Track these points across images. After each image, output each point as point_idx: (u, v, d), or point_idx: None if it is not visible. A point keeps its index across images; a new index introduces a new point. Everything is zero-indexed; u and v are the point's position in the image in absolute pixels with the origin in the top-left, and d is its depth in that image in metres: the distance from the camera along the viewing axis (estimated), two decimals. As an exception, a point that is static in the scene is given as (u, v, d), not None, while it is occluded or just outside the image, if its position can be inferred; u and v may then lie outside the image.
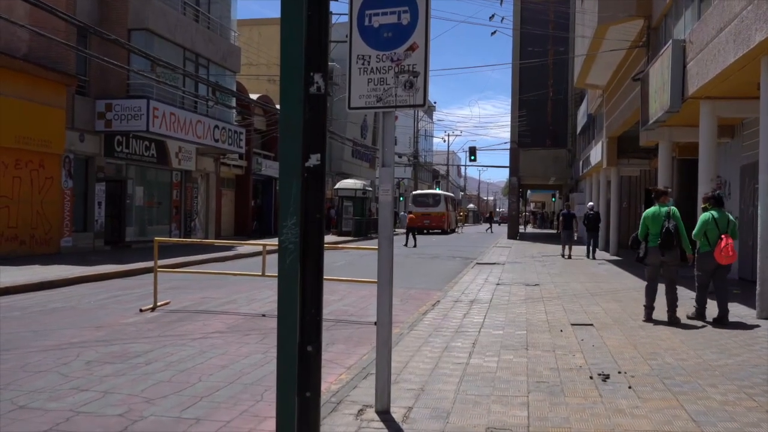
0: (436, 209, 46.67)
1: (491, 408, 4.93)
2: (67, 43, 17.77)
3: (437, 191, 52.66)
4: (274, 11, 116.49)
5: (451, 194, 59.32)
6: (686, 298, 10.50)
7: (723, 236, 8.85)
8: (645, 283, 9.43)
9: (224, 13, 28.43)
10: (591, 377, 5.86)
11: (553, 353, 6.88)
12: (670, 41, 13.13)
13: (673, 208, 9.01)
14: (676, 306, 8.99)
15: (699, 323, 8.96)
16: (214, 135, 25.84)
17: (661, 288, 9.14)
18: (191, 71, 24.63)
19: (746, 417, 4.78)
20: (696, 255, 9.21)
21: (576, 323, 8.75)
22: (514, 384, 5.62)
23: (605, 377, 5.84)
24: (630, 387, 5.54)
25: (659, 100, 13.65)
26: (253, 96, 31.03)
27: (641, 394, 5.35)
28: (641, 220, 9.25)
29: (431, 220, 46.18)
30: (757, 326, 8.68)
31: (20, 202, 18.41)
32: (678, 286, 9.18)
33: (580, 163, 35.05)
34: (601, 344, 7.38)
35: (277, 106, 30.56)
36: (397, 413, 4.76)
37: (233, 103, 28.45)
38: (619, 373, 6.03)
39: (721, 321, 8.88)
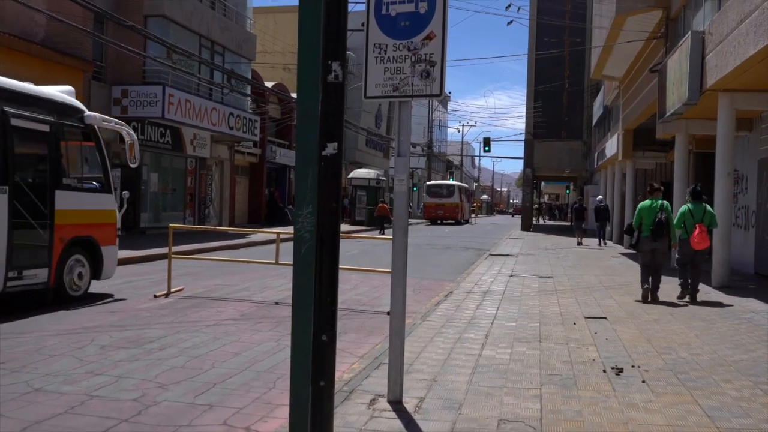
0: (450, 200, 46.86)
1: (504, 400, 4.92)
2: (84, 29, 17.83)
3: (451, 182, 52.79)
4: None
5: (466, 185, 59.45)
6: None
7: (697, 225, 10.09)
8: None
9: (240, 0, 28.41)
10: (604, 371, 5.83)
11: (566, 346, 6.86)
12: (689, 33, 12.98)
13: (665, 202, 10.15)
14: (658, 287, 10.29)
15: (681, 302, 10.17)
16: (228, 122, 25.89)
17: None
18: (207, 58, 24.68)
19: (761, 413, 4.74)
20: (678, 242, 10.44)
21: (589, 316, 8.71)
22: (526, 376, 5.60)
23: (619, 371, 5.81)
24: (644, 381, 5.51)
25: (677, 92, 13.51)
26: (268, 84, 31.06)
27: (655, 388, 5.32)
28: (636, 211, 10.43)
29: (445, 211, 46.53)
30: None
31: (36, 187, 18.49)
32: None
33: (596, 155, 34.83)
34: (614, 338, 7.34)
35: (292, 95, 30.68)
36: (409, 403, 4.76)
37: (248, 90, 28.48)
38: (633, 367, 6.00)
39: (692, 297, 10.28)
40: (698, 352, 6.67)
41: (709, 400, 5.03)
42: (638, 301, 10.15)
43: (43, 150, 9.20)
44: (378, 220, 32.09)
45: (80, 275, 9.64)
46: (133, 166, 10.71)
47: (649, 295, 10.19)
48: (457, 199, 47.24)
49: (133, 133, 10.85)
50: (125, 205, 10.98)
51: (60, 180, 9.38)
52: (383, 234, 29.14)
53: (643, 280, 10.30)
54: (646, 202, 10.19)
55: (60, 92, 9.82)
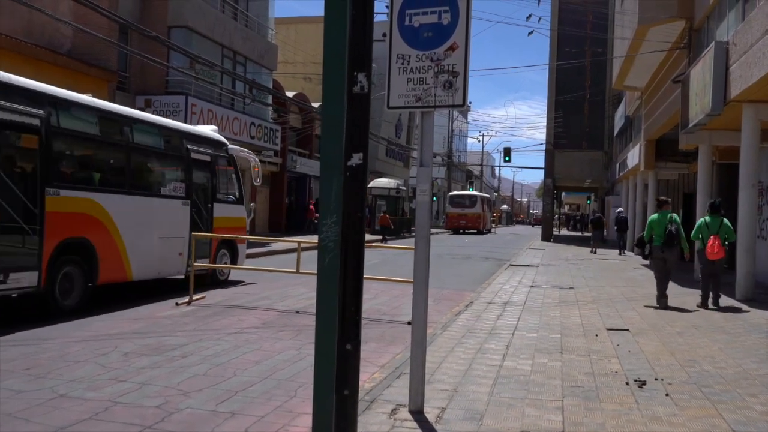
0: (473, 210, 47.94)
1: (525, 411, 4.90)
2: (109, 40, 18.07)
3: (474, 192, 53.71)
4: (311, 9, 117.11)
5: (488, 195, 60.26)
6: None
7: (711, 237, 10.63)
8: (680, 287, 11.77)
9: (262, 11, 28.66)
10: (627, 383, 5.78)
11: (588, 358, 6.81)
12: (713, 43, 12.90)
13: (673, 214, 10.79)
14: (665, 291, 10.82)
15: (694, 308, 10.67)
16: (250, 132, 26.08)
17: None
18: (229, 69, 24.88)
19: (788, 428, 4.67)
20: (696, 253, 11.24)
21: (611, 328, 8.65)
22: (548, 388, 5.57)
23: (642, 383, 5.76)
24: (667, 394, 5.46)
25: (700, 102, 13.41)
26: (289, 94, 31.19)
27: (679, 401, 5.26)
28: (647, 224, 11.09)
29: (467, 221, 47.63)
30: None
31: (61, 195, 18.74)
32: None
33: (617, 165, 34.60)
34: (637, 350, 7.28)
35: (313, 104, 30.79)
36: (430, 414, 4.75)
37: (269, 100, 28.66)
38: (656, 379, 5.94)
39: (715, 303, 10.77)
40: (723, 366, 6.59)
41: (735, 414, 4.97)
42: (654, 307, 10.66)
43: (206, 174, 12.64)
44: (380, 231, 32.62)
45: (225, 264, 12.97)
46: (257, 184, 15.27)
47: (664, 303, 10.75)
48: (479, 209, 48.20)
49: (257, 159, 14.88)
50: (252, 214, 14.33)
51: (216, 195, 12.84)
52: (386, 241, 29.81)
53: (659, 290, 10.82)
54: (655, 216, 10.82)
55: (211, 131, 13.50)
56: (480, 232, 48.31)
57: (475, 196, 50.01)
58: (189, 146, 12.01)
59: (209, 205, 12.55)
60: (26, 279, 8.38)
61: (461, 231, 47.67)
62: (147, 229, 10.77)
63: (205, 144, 12.61)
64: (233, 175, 13.67)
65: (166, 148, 11.73)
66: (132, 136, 10.65)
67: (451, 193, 51.92)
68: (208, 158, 12.58)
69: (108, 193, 10.01)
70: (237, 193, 13.69)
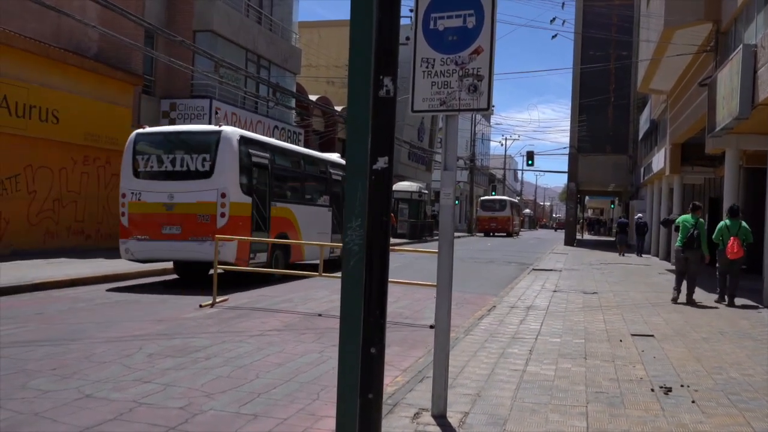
0: (502, 213, 51.82)
1: (549, 417, 4.86)
2: (136, 44, 18.28)
3: (503, 197, 58.25)
4: (334, 13, 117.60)
5: (516, 200, 63.80)
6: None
7: (732, 238, 11.58)
8: (706, 293, 12.49)
9: (286, 15, 28.82)
10: (652, 390, 5.72)
11: (612, 363, 6.74)
12: (741, 46, 12.71)
13: (700, 219, 11.94)
14: (694, 291, 11.88)
15: (718, 305, 11.73)
16: (273, 135, 26.19)
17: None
18: (253, 72, 25.04)
19: (818, 438, 4.59)
20: (716, 253, 11.98)
21: (636, 333, 8.56)
22: (572, 393, 5.53)
23: (667, 390, 5.69)
24: (693, 401, 5.38)
25: (727, 106, 13.24)
26: (313, 97, 31.33)
27: (705, 409, 5.19)
28: (677, 219, 12.42)
29: (497, 224, 51.49)
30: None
31: (87, 198, 19.02)
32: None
33: (642, 169, 34.25)
34: (662, 356, 7.19)
35: (336, 108, 30.91)
36: (453, 418, 4.74)
37: (293, 104, 28.79)
38: (682, 386, 5.87)
39: (731, 302, 11.70)
40: (750, 373, 6.49)
41: (763, 422, 4.89)
42: (672, 302, 11.81)
43: (339, 188, 17.10)
44: None
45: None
46: None
47: (683, 298, 11.79)
48: (508, 212, 51.86)
49: None
50: None
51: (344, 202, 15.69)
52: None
53: (676, 286, 12.07)
54: (685, 217, 12.05)
55: (337, 157, 18.41)
56: (509, 235, 51.28)
57: (504, 200, 53.53)
58: (330, 170, 17.20)
59: (341, 209, 15.64)
60: (262, 257, 13.30)
61: (491, 233, 50.72)
62: (312, 227, 15.68)
63: (337, 167, 17.52)
64: None
65: (319, 172, 17.00)
66: (304, 166, 16.16)
67: (481, 198, 55.59)
68: (339, 177, 17.15)
69: (294, 204, 15.22)
70: None
